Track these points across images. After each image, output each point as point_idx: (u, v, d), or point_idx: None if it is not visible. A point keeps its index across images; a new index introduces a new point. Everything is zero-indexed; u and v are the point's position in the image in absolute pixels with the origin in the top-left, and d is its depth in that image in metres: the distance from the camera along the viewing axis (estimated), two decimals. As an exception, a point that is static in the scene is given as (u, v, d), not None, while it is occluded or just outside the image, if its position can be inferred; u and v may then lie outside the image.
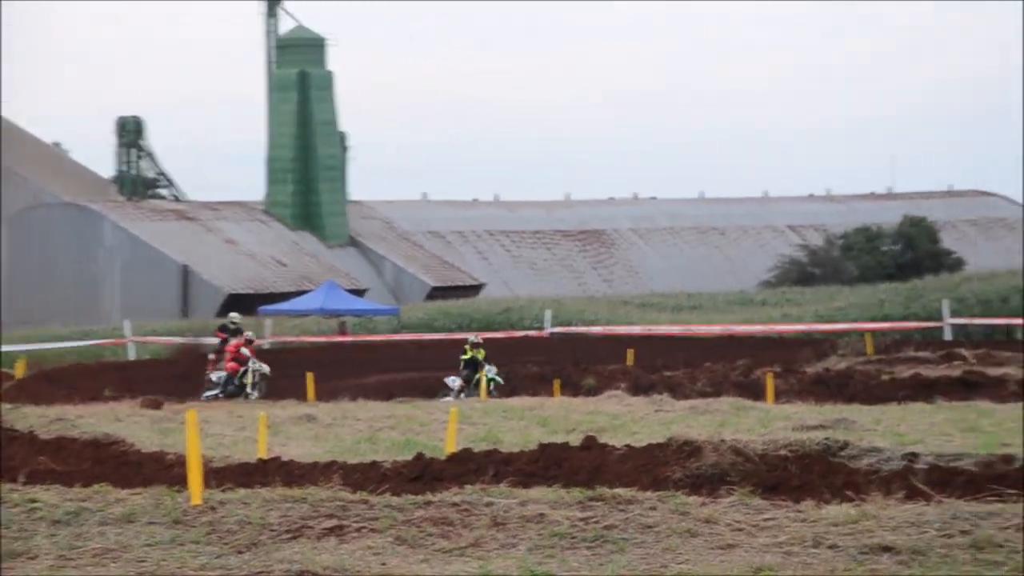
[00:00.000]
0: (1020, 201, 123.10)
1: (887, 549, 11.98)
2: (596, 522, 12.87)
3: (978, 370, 38.10)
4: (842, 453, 17.82)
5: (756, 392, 32.78)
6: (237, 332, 39.71)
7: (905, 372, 38.57)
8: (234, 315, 42.04)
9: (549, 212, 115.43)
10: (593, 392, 34.34)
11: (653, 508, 13.27)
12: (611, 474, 16.38)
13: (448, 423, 20.85)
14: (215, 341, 41.46)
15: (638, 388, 34.81)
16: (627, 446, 18.39)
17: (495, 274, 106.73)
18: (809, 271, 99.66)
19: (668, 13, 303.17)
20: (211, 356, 40.29)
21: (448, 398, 35.46)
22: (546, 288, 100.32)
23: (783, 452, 17.57)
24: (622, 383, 36.19)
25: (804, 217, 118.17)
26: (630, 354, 44.62)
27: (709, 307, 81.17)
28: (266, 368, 37.25)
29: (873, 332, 53.36)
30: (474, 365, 37.12)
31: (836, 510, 13.06)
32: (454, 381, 37.08)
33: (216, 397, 35.92)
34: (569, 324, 65.76)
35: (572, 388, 35.73)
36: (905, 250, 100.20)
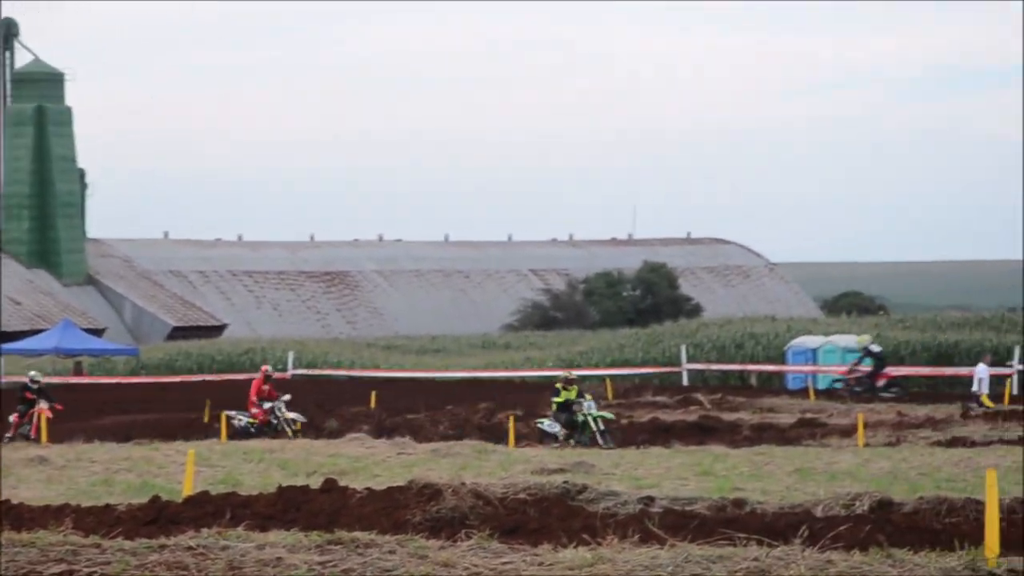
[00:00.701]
0: (755, 249, 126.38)
1: (622, 592, 12.12)
2: (334, 566, 12.77)
3: (714, 415, 38.97)
4: (580, 496, 18.01)
5: (498, 435, 32.99)
6: (41, 392, 37.09)
7: (644, 416, 39.25)
8: (34, 373, 39.42)
9: (293, 253, 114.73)
10: (335, 434, 34.16)
11: (392, 552, 13.21)
12: (351, 517, 16.28)
13: (186, 465, 20.51)
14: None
15: (381, 430, 34.77)
16: (368, 489, 18.32)
17: (238, 315, 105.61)
18: (552, 315, 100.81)
19: (412, 56, 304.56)
20: (12, 418, 36.42)
21: (556, 445, 31.98)
22: (289, 329, 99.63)
23: (523, 495, 17.71)
24: (365, 425, 36.11)
25: (547, 262, 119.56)
26: (373, 396, 44.54)
27: (453, 350, 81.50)
28: (299, 416, 35.80)
29: (613, 376, 54.20)
30: (569, 406, 33.27)
31: (572, 553, 13.16)
32: (552, 425, 33.14)
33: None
34: (312, 366, 65.47)
35: (314, 430, 35.51)
36: (645, 296, 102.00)
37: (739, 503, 17.46)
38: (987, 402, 41.65)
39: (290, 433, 34.68)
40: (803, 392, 49.21)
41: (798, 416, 38.56)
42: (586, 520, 15.93)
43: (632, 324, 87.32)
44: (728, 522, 15.43)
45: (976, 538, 13.63)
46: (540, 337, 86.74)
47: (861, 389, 47.41)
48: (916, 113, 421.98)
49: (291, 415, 35.55)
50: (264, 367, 37.90)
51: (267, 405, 35.37)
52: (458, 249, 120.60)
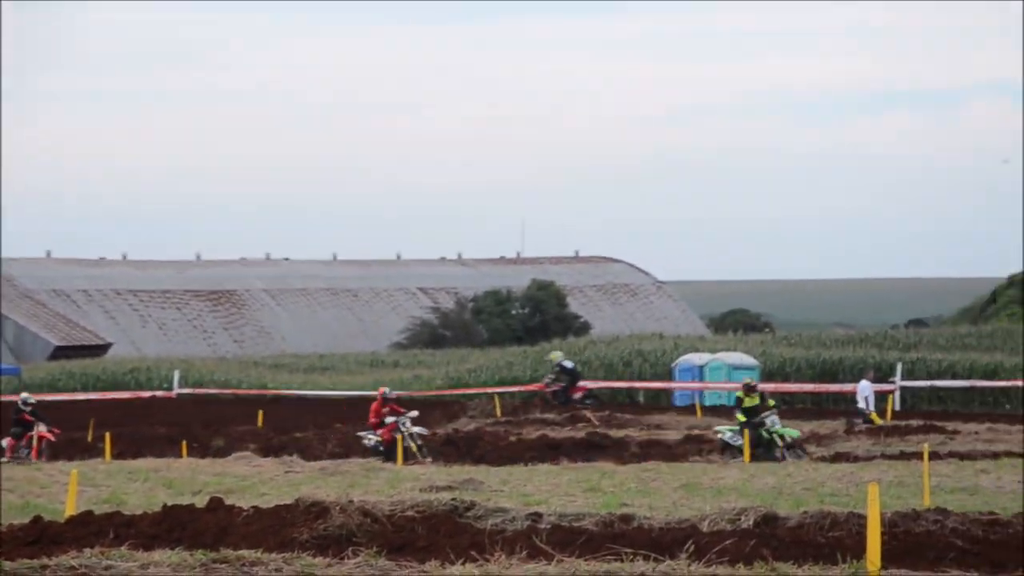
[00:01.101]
0: (643, 268, 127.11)
1: (509, 608, 12.13)
2: (219, 585, 12.68)
3: (602, 432, 39.11)
4: (469, 514, 18.00)
5: (386, 453, 32.87)
6: (35, 414, 35.56)
7: (532, 433, 39.31)
8: (26, 395, 37.63)
9: (180, 272, 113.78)
10: (221, 453, 33.88)
11: (278, 570, 13.14)
12: (237, 536, 16.16)
13: (69, 485, 20.25)
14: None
15: (268, 449, 34.56)
16: (254, 507, 18.18)
17: (123, 334, 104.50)
18: (440, 333, 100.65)
19: (301, 79, 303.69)
20: (5, 443, 35.39)
21: (738, 459, 30.46)
22: (175, 348, 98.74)
23: (411, 513, 17.66)
24: (252, 444, 35.86)
25: (436, 280, 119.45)
26: (260, 415, 44.26)
27: (341, 368, 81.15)
28: (424, 431, 34.53)
29: (501, 394, 54.24)
30: (756, 412, 31.47)
31: (460, 570, 13.16)
32: (736, 439, 31.33)
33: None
34: (199, 385, 64.97)
35: (200, 449, 35.21)
36: (533, 314, 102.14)
37: (626, 519, 17.52)
38: (876, 419, 42.20)
39: (414, 448, 33.45)
40: (690, 409, 49.54)
41: (685, 433, 38.81)
42: (474, 537, 15.92)
43: (521, 342, 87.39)
44: (615, 538, 15.49)
45: (858, 551, 13.79)
46: (429, 355, 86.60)
47: (558, 402, 50.43)
48: (799, 135, 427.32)
49: (416, 429, 34.11)
50: (381, 389, 36.18)
51: (390, 420, 34.03)
52: (346, 268, 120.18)
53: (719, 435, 32.05)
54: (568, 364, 53.05)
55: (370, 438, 34.34)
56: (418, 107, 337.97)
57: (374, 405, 34.95)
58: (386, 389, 36.32)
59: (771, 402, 32.49)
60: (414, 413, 35.01)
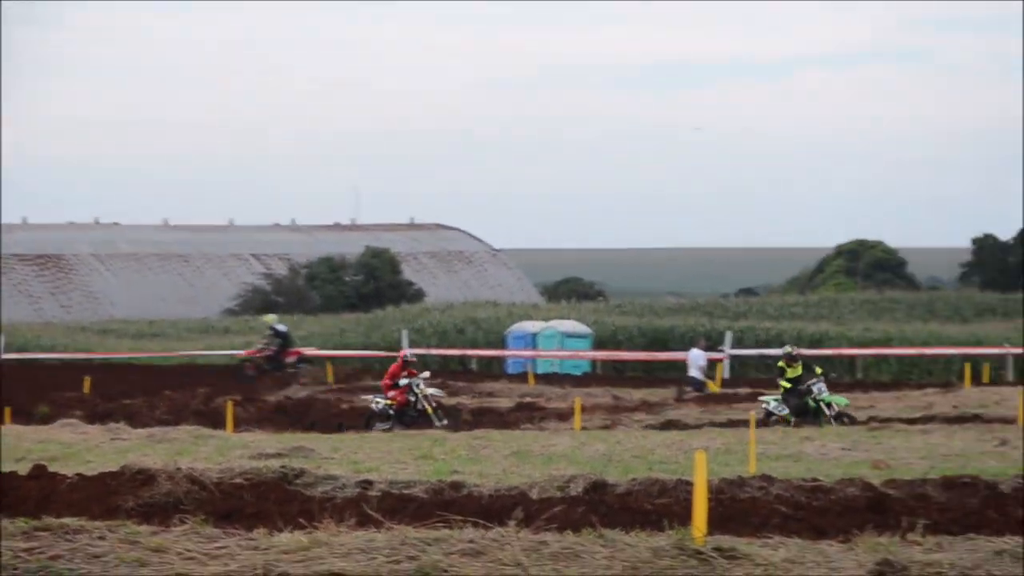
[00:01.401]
0: (479, 236, 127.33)
1: (337, 576, 12.07)
2: (41, 553, 12.47)
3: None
4: (298, 481, 17.91)
5: (216, 420, 32.57)
6: None
7: (365, 401, 39.16)
8: None
9: (5, 235, 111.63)
10: (46, 420, 33.28)
11: (102, 538, 12.93)
12: (61, 504, 15.91)
13: None
14: None
15: (95, 416, 34.04)
16: (79, 475, 17.92)
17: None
18: (273, 300, 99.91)
19: (133, 42, 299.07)
20: None
21: (787, 426, 29.07)
22: None
23: (239, 480, 17.53)
24: (78, 411, 35.31)
25: (269, 246, 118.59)
26: (87, 382, 43.59)
27: (171, 335, 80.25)
28: (440, 392, 33.00)
29: (334, 360, 54.05)
30: (798, 383, 30.49)
31: (288, 538, 13.06)
32: (780, 408, 30.38)
33: (391, 430, 30.84)
34: (24, 350, 63.85)
35: (24, 416, 34.56)
36: (367, 280, 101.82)
37: (456, 486, 17.55)
38: (713, 387, 42.76)
39: (429, 411, 32.16)
40: (523, 376, 49.77)
41: (517, 400, 38.97)
42: (303, 504, 15.84)
43: (354, 309, 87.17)
44: (446, 505, 15.52)
45: (685, 518, 13.94)
46: (261, 322, 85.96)
47: (271, 367, 49.62)
48: (632, 105, 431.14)
49: (431, 391, 32.72)
50: (403, 352, 34.44)
51: (404, 382, 32.47)
52: (177, 233, 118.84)
53: (764, 406, 31.20)
54: (281, 327, 52.18)
55: (378, 401, 32.97)
56: (251, 72, 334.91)
57: (393, 367, 33.38)
58: (407, 352, 34.82)
59: (818, 370, 31.48)
60: (426, 374, 34.02)
